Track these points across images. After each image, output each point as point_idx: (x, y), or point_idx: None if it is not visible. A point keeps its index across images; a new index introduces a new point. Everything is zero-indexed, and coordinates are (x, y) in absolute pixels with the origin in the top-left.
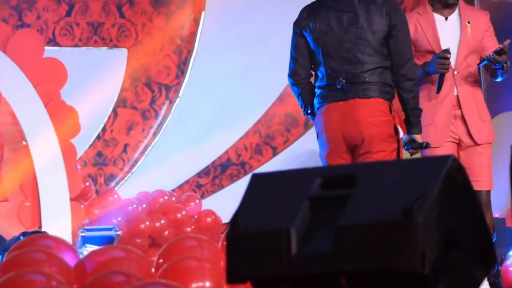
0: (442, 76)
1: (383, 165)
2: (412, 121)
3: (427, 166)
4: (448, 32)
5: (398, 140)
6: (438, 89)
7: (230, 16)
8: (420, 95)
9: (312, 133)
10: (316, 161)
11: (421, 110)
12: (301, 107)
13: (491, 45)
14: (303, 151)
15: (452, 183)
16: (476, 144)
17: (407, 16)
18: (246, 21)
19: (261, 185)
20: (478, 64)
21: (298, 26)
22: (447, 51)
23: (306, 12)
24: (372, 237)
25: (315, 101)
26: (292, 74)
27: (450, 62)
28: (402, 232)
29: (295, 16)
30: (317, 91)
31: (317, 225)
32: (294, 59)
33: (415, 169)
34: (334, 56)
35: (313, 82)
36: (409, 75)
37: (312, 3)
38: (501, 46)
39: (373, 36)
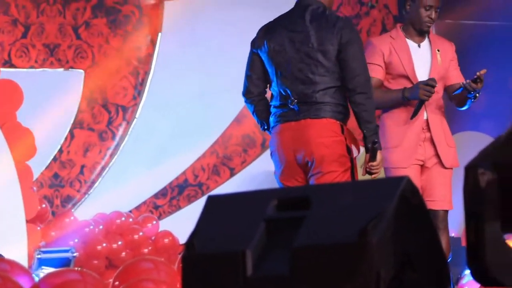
0: (422, 103)
1: (338, 187)
2: (367, 136)
3: (382, 187)
4: (420, 58)
5: (351, 160)
6: (414, 115)
7: (187, 38)
8: (390, 118)
9: (269, 153)
10: (273, 182)
11: (376, 125)
12: (258, 123)
13: (455, 74)
14: (260, 172)
15: (406, 204)
16: (443, 166)
17: (380, 38)
18: (202, 42)
19: (217, 207)
20: (454, 92)
21: (254, 45)
22: (434, 80)
23: (262, 32)
24: (328, 259)
25: (271, 119)
26: (246, 92)
27: (434, 91)
28: (357, 253)
29: (251, 37)
30: (272, 110)
31: (272, 247)
32: (248, 77)
33: (369, 191)
34: (287, 76)
35: (268, 99)
36: (358, 89)
37: (269, 22)
38: (478, 74)
39: (324, 56)
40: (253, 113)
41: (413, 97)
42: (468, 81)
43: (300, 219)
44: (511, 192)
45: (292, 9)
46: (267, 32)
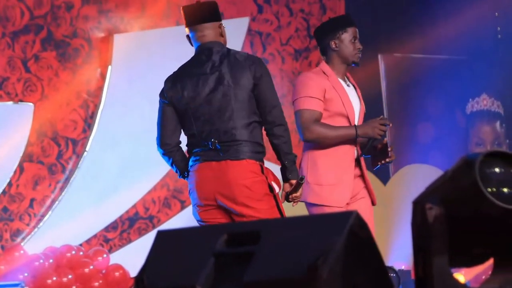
0: (373, 141)
1: (287, 221)
2: (287, 167)
3: (331, 222)
4: (352, 96)
5: (275, 197)
6: (365, 153)
7: (137, 70)
8: (325, 155)
9: None
10: None
11: (295, 156)
12: (177, 173)
13: None
14: None
15: (355, 238)
16: (371, 202)
17: (317, 73)
18: (153, 75)
19: (166, 242)
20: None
21: (164, 96)
22: (387, 119)
23: (171, 82)
24: None
25: (190, 160)
26: (161, 144)
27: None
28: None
29: None
30: (191, 151)
31: (222, 281)
32: (163, 128)
33: (319, 225)
34: (205, 118)
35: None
36: (277, 121)
37: (175, 72)
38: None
39: (240, 92)
40: (171, 165)
41: (367, 135)
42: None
43: (250, 253)
44: (458, 227)
45: (195, 55)
46: (177, 81)
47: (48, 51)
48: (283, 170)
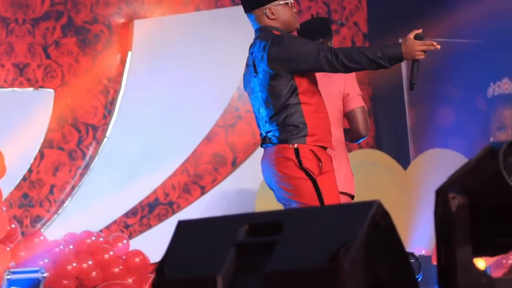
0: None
1: (309, 211)
2: (384, 49)
3: (352, 211)
4: None
5: (313, 181)
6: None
7: (157, 56)
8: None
9: (239, 172)
10: (243, 200)
11: (376, 48)
12: None
13: None
14: (231, 190)
15: (377, 228)
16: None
17: None
18: (172, 61)
19: (187, 232)
20: None
21: (244, 86)
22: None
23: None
24: (300, 284)
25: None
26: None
27: None
28: (329, 278)
29: (221, 55)
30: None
31: (243, 272)
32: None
33: (340, 215)
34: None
35: None
36: (327, 67)
37: None
38: None
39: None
40: None
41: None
42: None
43: (271, 244)
44: (481, 216)
45: None
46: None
47: (68, 37)
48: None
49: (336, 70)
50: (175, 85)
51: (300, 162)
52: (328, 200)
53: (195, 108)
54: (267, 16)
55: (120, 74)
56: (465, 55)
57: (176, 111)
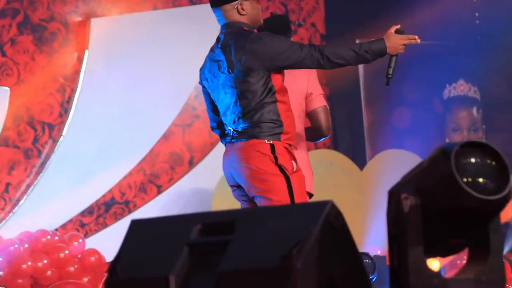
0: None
1: (262, 211)
2: (368, 44)
3: (306, 212)
4: None
5: (287, 178)
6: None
7: (114, 55)
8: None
9: (196, 171)
10: (200, 199)
11: (361, 43)
12: None
13: None
14: (188, 189)
15: (330, 228)
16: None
17: None
18: (130, 59)
19: (140, 231)
20: None
21: (200, 80)
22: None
23: (202, 66)
24: (253, 283)
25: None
26: (212, 127)
27: None
28: (282, 277)
29: (178, 54)
30: None
31: (196, 271)
32: (208, 111)
33: (294, 215)
34: None
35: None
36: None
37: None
38: None
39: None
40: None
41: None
42: None
43: (225, 243)
44: (433, 217)
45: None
46: (203, 65)
47: (24, 35)
48: (371, 43)
49: (319, 66)
50: (132, 84)
51: (276, 158)
52: (298, 199)
53: (152, 107)
54: (238, 12)
55: (77, 73)
56: (422, 56)
57: (133, 110)
